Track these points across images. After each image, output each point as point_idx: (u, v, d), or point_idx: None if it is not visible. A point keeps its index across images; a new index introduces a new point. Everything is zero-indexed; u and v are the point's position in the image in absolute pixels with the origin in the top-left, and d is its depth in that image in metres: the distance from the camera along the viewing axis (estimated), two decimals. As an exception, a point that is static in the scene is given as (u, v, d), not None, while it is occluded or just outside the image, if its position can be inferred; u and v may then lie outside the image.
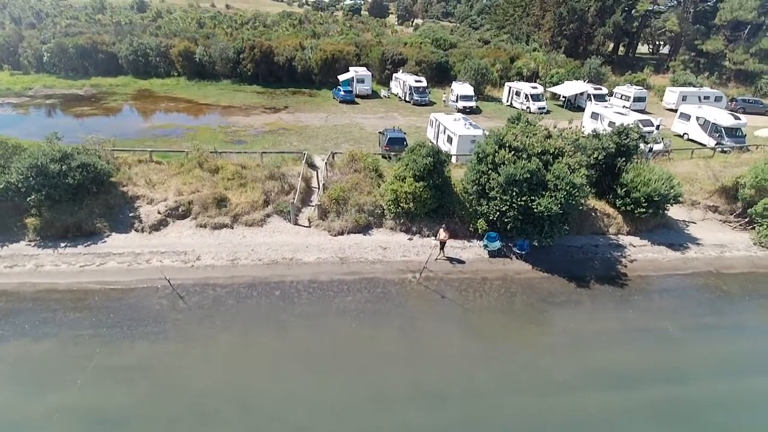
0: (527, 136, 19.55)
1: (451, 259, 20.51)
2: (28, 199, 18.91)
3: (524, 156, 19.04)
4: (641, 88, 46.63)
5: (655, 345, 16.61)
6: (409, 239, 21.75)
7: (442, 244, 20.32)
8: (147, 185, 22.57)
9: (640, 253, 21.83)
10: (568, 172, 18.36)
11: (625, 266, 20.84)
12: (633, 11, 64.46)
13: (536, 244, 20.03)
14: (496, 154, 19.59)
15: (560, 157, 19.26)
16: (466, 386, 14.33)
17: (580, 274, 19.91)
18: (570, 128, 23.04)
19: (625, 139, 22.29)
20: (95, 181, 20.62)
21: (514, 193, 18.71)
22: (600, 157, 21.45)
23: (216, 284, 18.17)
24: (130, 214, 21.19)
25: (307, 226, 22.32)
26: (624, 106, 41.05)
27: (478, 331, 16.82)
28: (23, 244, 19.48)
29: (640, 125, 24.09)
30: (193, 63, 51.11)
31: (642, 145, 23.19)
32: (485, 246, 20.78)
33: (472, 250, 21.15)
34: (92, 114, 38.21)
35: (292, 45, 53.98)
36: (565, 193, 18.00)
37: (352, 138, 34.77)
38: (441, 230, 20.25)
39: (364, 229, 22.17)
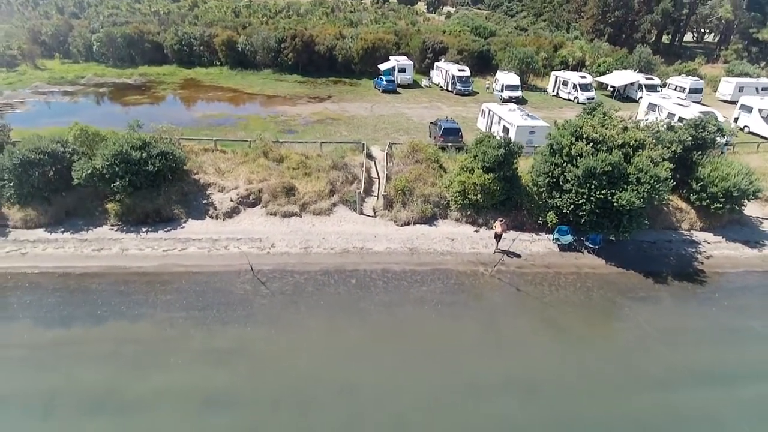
0: (606, 128, 19.10)
1: (507, 253, 20.27)
2: (112, 185, 19.54)
3: (603, 148, 18.63)
4: (697, 78, 44.82)
5: (743, 343, 16.26)
6: (476, 231, 21.67)
7: (498, 237, 20.14)
8: (217, 173, 23.05)
9: (716, 249, 21.23)
10: (652, 165, 17.89)
11: (702, 263, 20.31)
12: (682, -3, 61.92)
13: (612, 239, 19.69)
14: (573, 146, 19.22)
15: (640, 150, 18.77)
16: (556, 380, 14.30)
17: (656, 270, 19.51)
18: (646, 119, 22.36)
19: (702, 132, 21.55)
20: (172, 168, 21.16)
21: (592, 186, 18.37)
22: (678, 150, 20.81)
23: (293, 271, 18.52)
24: (204, 201, 21.71)
25: (372, 216, 22.46)
26: (678, 98, 39.58)
27: (560, 325, 16.70)
28: (106, 228, 20.22)
29: (717, 117, 23.23)
30: (236, 52, 51.53)
31: (719, 138, 22.40)
32: (556, 239, 20.54)
33: (541, 244, 20.94)
34: (146, 103, 39.07)
35: (332, 34, 53.86)
36: (648, 187, 17.57)
37: (401, 128, 34.61)
38: (497, 223, 20.09)
39: (429, 220, 22.18)
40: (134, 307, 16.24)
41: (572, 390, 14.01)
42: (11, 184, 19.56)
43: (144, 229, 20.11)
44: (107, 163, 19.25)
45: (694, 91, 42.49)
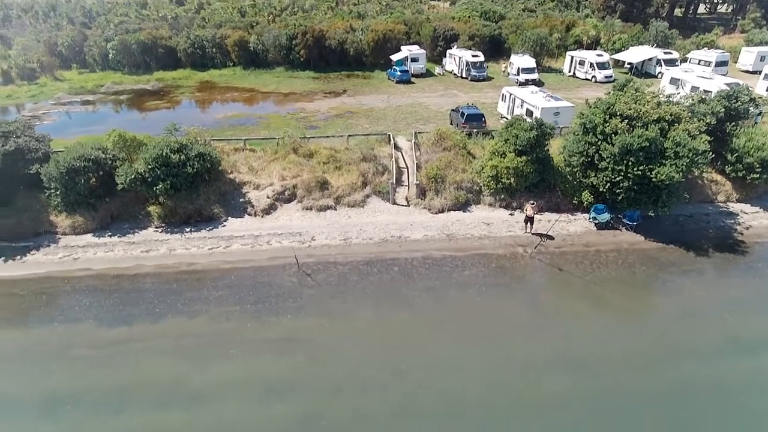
0: (640, 104, 19.04)
1: (541, 235, 20.35)
2: (155, 188, 20.06)
3: (639, 124, 18.58)
4: (722, 51, 43.85)
5: (790, 312, 16.26)
6: (510, 214, 21.82)
7: (530, 219, 20.25)
8: (250, 172, 23.48)
9: (754, 220, 21.12)
10: (689, 139, 17.83)
11: (741, 234, 20.25)
12: (695, -32, 60.34)
13: (651, 214, 19.70)
14: (606, 123, 19.21)
15: (676, 124, 18.69)
16: (607, 355, 14.51)
17: (696, 244, 19.51)
18: (677, 93, 22.20)
19: (734, 103, 21.33)
20: (208, 169, 21.61)
21: (629, 163, 18.36)
22: (712, 123, 20.65)
23: (336, 262, 18.92)
24: (241, 200, 22.18)
25: (405, 205, 22.73)
26: (704, 71, 38.86)
27: (605, 302, 16.87)
28: (151, 230, 20.82)
29: (749, 88, 22.93)
30: (248, 52, 51.86)
31: (752, 109, 22.13)
32: (593, 218, 20.60)
33: (578, 223, 21.03)
34: (166, 107, 39.67)
35: (342, 28, 53.83)
36: (687, 160, 17.54)
37: (420, 118, 34.65)
38: (528, 206, 20.19)
39: (463, 206, 22.39)
40: (189, 303, 16.80)
41: (621, 364, 14.21)
42: (57, 193, 20.21)
43: (187, 230, 20.67)
44: (149, 167, 19.76)
45: (720, 64, 41.53)
